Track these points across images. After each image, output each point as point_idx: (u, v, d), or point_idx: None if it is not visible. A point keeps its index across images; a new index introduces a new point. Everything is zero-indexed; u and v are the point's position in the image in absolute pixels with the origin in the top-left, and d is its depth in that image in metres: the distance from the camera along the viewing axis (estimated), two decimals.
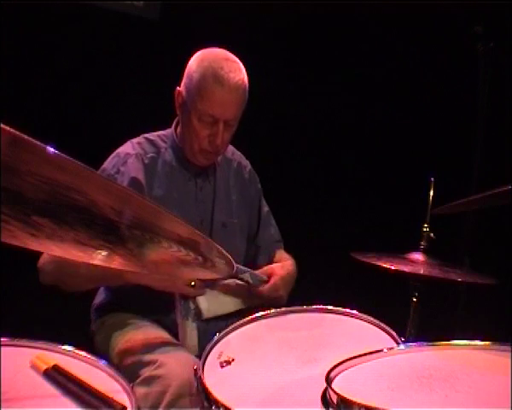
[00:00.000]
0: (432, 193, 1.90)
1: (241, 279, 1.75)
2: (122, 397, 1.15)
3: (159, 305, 1.82)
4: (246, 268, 1.76)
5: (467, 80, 2.61)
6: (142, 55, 2.57)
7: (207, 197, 1.89)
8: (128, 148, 1.86)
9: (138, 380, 1.54)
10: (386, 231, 2.71)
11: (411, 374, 1.14)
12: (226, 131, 1.78)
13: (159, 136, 1.91)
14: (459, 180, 2.48)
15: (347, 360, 1.18)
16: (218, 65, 1.72)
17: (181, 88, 1.80)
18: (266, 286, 1.77)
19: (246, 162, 2.05)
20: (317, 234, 2.87)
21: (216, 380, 1.34)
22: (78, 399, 1.12)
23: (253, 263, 1.95)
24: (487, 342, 1.24)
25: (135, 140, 1.89)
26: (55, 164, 0.73)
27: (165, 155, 1.86)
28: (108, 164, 1.83)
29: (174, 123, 1.92)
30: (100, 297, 1.92)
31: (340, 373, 1.15)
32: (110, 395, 1.12)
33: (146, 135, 1.91)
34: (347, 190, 2.87)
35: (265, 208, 2.08)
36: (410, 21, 2.75)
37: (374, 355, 1.23)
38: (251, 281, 1.75)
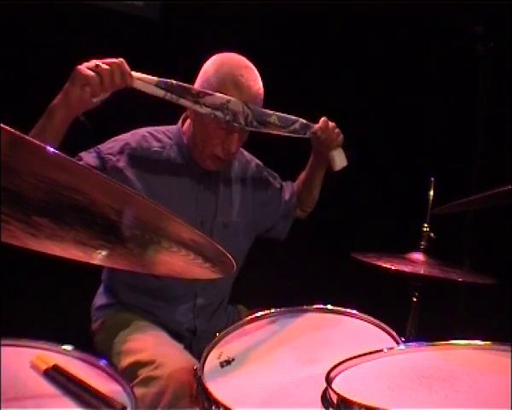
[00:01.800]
0: (432, 193, 1.90)
1: (293, 132, 1.86)
2: (122, 397, 1.15)
3: (159, 305, 1.82)
4: (294, 117, 1.85)
5: (467, 80, 2.60)
6: (142, 55, 2.57)
7: (209, 198, 1.87)
8: (130, 138, 1.80)
9: (138, 380, 1.54)
10: (386, 231, 2.71)
11: (411, 374, 1.14)
12: (240, 139, 1.77)
13: (164, 132, 1.87)
14: (459, 180, 2.48)
15: (347, 360, 1.19)
16: (238, 72, 1.70)
17: None
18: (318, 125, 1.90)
19: (249, 158, 2.03)
20: (317, 234, 2.86)
21: (216, 380, 1.34)
22: (78, 399, 1.12)
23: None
24: (487, 342, 1.24)
25: (140, 131, 1.84)
26: (55, 164, 0.73)
27: (169, 152, 1.82)
28: (104, 146, 1.77)
29: (180, 120, 1.88)
30: (100, 297, 1.92)
31: (340, 373, 1.15)
32: (110, 395, 1.12)
33: (150, 129, 1.86)
34: (347, 189, 2.87)
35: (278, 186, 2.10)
36: (410, 21, 2.74)
37: (374, 355, 1.23)
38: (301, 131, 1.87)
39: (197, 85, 1.75)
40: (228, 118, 1.67)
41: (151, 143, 1.82)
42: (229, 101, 1.67)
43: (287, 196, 2.09)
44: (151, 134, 1.85)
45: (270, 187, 2.05)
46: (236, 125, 1.69)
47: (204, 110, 1.67)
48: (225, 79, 1.69)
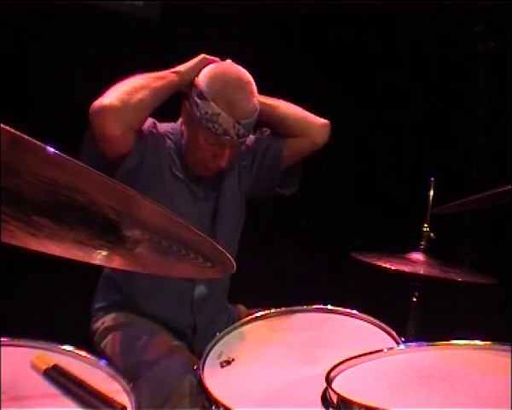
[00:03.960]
0: (432, 193, 1.90)
1: None
2: (122, 397, 1.15)
3: (159, 305, 1.82)
4: None
5: (467, 80, 2.60)
6: (142, 55, 2.57)
7: (208, 196, 1.87)
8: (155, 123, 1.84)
9: (138, 380, 1.54)
10: (386, 231, 2.71)
11: (411, 374, 1.14)
12: (232, 152, 1.74)
13: (166, 131, 1.85)
14: (459, 180, 2.48)
15: (347, 360, 1.19)
16: (231, 90, 1.65)
17: (188, 102, 1.72)
18: None
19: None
20: (317, 234, 2.86)
21: (216, 380, 1.34)
22: (78, 399, 1.12)
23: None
24: (487, 342, 1.24)
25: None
26: (55, 164, 0.73)
27: (170, 152, 1.82)
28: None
29: (180, 120, 1.85)
30: (100, 297, 1.91)
31: (340, 373, 1.15)
32: (110, 395, 1.12)
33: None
34: (347, 189, 2.87)
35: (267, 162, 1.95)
36: (409, 21, 2.74)
37: (374, 355, 1.23)
38: None
39: (191, 99, 1.71)
40: (219, 132, 1.65)
41: (163, 136, 1.83)
42: (219, 114, 1.64)
43: (260, 146, 1.95)
44: (163, 127, 1.86)
45: (248, 149, 1.95)
46: (228, 138, 1.66)
47: (198, 113, 1.66)
48: (217, 97, 1.64)
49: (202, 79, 1.69)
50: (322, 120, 1.94)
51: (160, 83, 1.71)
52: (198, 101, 1.67)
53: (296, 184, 2.02)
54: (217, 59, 1.77)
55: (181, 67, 1.75)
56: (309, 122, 1.93)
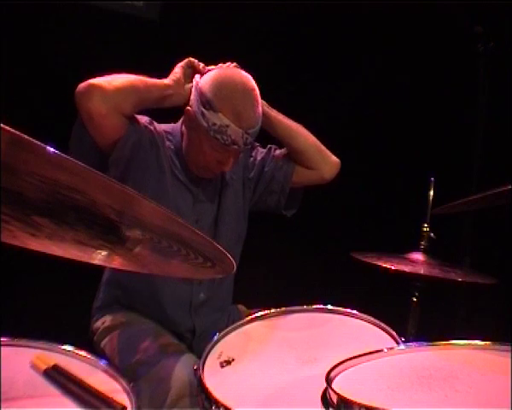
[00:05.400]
0: (432, 193, 1.90)
1: None
2: (122, 397, 1.15)
3: (159, 305, 1.82)
4: None
5: (467, 80, 2.61)
6: (142, 55, 2.57)
7: (205, 206, 1.86)
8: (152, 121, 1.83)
9: (138, 380, 1.54)
10: (386, 231, 2.71)
11: (411, 374, 1.14)
12: (236, 158, 1.76)
13: (165, 131, 1.84)
14: (459, 180, 2.48)
15: (347, 360, 1.19)
16: (237, 101, 1.63)
17: (192, 109, 1.69)
18: None
19: None
20: (318, 234, 2.86)
21: (216, 380, 1.34)
22: (78, 399, 1.12)
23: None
24: (487, 342, 1.24)
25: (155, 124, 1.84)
26: (55, 164, 0.73)
27: (169, 152, 1.81)
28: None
29: (180, 121, 1.84)
30: (100, 297, 1.91)
31: (340, 373, 1.15)
32: (110, 395, 1.12)
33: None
34: (347, 189, 2.87)
35: (266, 168, 1.96)
36: (409, 21, 2.75)
37: (374, 355, 1.23)
38: None
39: (194, 106, 1.69)
40: (227, 142, 1.64)
41: (162, 135, 1.82)
42: (228, 126, 1.62)
43: (269, 164, 1.96)
44: (161, 127, 1.85)
45: (254, 162, 1.97)
46: (236, 147, 1.66)
47: (204, 124, 1.65)
48: (225, 108, 1.62)
49: (207, 87, 1.66)
50: (334, 158, 1.97)
51: (151, 80, 1.71)
52: (204, 111, 1.64)
53: (297, 206, 2.04)
54: (202, 64, 1.76)
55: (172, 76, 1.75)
56: (323, 159, 1.95)
